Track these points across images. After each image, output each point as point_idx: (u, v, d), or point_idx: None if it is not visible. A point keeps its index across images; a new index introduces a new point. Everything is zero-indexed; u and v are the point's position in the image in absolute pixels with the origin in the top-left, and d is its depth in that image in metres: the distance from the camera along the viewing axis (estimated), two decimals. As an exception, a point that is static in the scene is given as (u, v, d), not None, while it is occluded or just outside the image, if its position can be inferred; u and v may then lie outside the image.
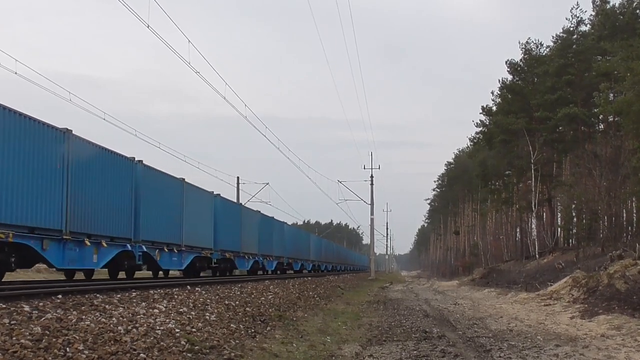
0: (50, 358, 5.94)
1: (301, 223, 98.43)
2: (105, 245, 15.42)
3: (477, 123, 55.60)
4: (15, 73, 18.19)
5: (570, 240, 42.20)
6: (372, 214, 57.27)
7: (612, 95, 33.24)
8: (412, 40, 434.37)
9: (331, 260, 58.28)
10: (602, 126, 41.55)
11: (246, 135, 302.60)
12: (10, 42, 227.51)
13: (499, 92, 49.29)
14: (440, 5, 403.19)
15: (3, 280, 13.71)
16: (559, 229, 43.81)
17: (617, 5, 37.51)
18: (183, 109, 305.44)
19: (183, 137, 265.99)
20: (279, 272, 34.59)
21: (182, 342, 7.83)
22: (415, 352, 9.89)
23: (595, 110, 38.69)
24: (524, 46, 45.46)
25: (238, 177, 49.42)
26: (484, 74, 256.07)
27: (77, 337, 6.74)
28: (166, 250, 19.04)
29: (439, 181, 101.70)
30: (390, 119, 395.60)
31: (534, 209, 42.21)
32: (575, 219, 39.21)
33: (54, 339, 6.46)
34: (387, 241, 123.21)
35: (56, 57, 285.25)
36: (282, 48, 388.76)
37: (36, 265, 14.94)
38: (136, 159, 17.57)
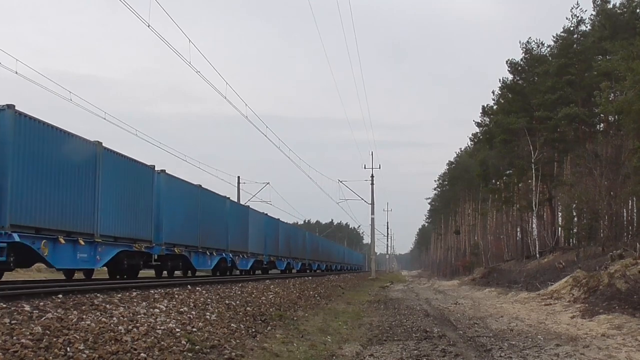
0: (51, 358, 5.94)
1: (302, 222, 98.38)
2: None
3: (477, 123, 55.75)
4: (16, 72, 18.19)
5: (571, 240, 42.15)
6: (372, 213, 57.29)
7: (612, 94, 33.19)
8: (416, 40, 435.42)
9: (300, 255, 42.34)
10: (602, 126, 41.53)
11: (247, 135, 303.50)
12: (14, 42, 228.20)
13: (499, 92, 49.33)
14: (444, 6, 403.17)
15: (3, 279, 13.76)
16: (559, 228, 43.78)
17: (617, 4, 37.53)
18: (185, 109, 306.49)
19: (184, 136, 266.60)
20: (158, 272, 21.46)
21: (183, 342, 7.83)
22: (415, 351, 9.88)
23: (596, 109, 38.67)
24: (524, 46, 45.49)
25: (239, 177, 49.31)
26: (486, 74, 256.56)
27: (78, 337, 6.74)
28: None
29: (440, 181, 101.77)
30: (392, 119, 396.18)
31: (534, 208, 42.19)
32: (575, 219, 39.16)
33: (54, 339, 6.47)
34: (387, 241, 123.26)
35: (60, 57, 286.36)
36: (285, 48, 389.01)
37: (36, 264, 15.14)
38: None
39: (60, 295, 9.71)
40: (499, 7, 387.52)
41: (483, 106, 53.17)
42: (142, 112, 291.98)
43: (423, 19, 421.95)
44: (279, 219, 37.03)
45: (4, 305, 7.86)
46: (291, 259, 38.68)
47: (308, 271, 44.56)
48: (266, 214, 34.18)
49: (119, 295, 10.84)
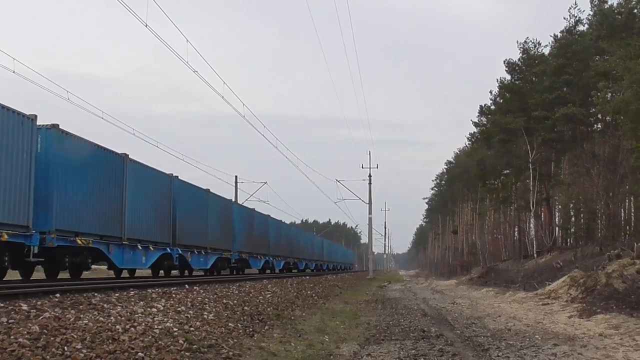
0: (48, 357, 5.93)
1: (299, 222, 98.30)
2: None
3: (475, 122, 55.79)
4: (14, 72, 18.14)
5: (569, 240, 42.21)
6: (370, 213, 57.36)
7: (610, 94, 33.23)
8: (415, 39, 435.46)
9: (220, 244, 25.72)
10: (600, 126, 41.59)
11: (246, 134, 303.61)
12: (14, 42, 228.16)
13: (497, 92, 49.39)
14: (443, 4, 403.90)
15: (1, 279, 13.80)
16: (557, 228, 43.81)
17: (615, 4, 37.53)
18: (185, 108, 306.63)
19: (183, 136, 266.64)
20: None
21: (180, 341, 7.82)
22: (413, 351, 9.88)
23: (594, 109, 38.70)
24: (522, 46, 45.52)
25: (236, 176, 49.08)
26: (486, 73, 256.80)
27: (75, 336, 6.73)
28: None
29: (437, 180, 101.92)
30: (391, 118, 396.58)
31: (532, 208, 42.22)
32: (573, 219, 39.20)
33: (52, 338, 6.46)
34: (385, 240, 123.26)
35: (60, 57, 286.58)
36: (285, 47, 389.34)
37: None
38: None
39: (57, 295, 9.70)
40: (498, 7, 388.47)
41: (481, 106, 53.28)
42: (142, 111, 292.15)
43: (422, 18, 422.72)
44: (152, 168, 19.79)
45: (2, 305, 7.84)
46: (192, 250, 22.14)
47: (240, 273, 29.42)
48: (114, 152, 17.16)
49: (117, 295, 10.83)
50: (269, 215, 36.07)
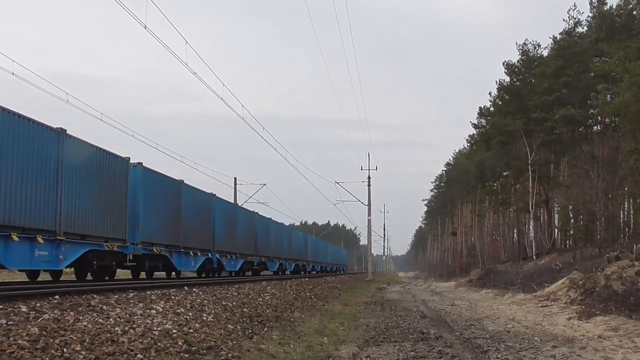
0: (47, 358, 5.93)
1: (298, 224, 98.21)
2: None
3: (474, 124, 55.78)
4: (13, 74, 18.09)
5: (568, 242, 42.21)
6: (369, 215, 57.27)
7: (609, 96, 33.24)
8: (416, 41, 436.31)
9: (110, 231, 16.49)
10: (599, 127, 41.60)
11: (245, 136, 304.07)
12: (14, 42, 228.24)
13: (496, 93, 49.40)
14: (444, 6, 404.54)
15: (0, 280, 13.78)
16: (556, 230, 43.81)
17: (614, 6, 37.56)
18: (184, 109, 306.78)
19: (183, 136, 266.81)
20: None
21: (179, 343, 7.82)
22: (412, 352, 9.88)
23: (593, 111, 38.72)
24: (521, 47, 45.53)
25: (235, 178, 49.00)
26: (487, 74, 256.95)
27: (75, 338, 6.73)
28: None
29: (436, 182, 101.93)
30: (392, 119, 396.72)
31: (531, 210, 42.23)
32: (572, 220, 39.21)
33: (51, 340, 6.46)
34: (384, 242, 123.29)
35: (60, 57, 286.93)
36: (285, 48, 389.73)
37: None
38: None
39: (57, 296, 9.69)
40: (498, 7, 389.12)
41: (480, 107, 53.26)
42: (142, 111, 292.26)
43: (423, 19, 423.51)
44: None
45: (1, 306, 7.84)
46: (8, 235, 12.16)
47: (170, 276, 23.04)
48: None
49: (116, 297, 10.83)
50: (214, 194, 25.64)
